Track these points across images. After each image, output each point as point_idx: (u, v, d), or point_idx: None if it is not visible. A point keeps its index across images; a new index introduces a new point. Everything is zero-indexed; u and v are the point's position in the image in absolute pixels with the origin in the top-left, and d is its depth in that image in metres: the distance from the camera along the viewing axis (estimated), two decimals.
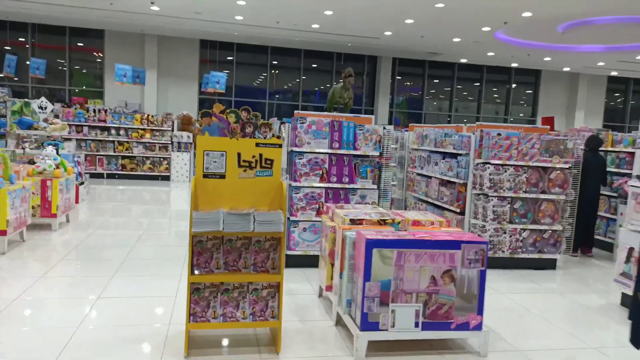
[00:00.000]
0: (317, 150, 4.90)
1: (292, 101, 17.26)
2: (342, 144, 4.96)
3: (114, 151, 11.65)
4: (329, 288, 3.82)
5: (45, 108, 7.30)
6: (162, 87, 15.50)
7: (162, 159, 11.89)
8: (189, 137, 11.89)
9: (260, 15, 11.36)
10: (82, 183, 8.16)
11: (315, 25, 11.83)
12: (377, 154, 5.05)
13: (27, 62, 14.00)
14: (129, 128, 11.71)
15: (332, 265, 3.73)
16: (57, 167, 6.18)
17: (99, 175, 11.56)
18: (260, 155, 3.09)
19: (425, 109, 18.23)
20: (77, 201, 7.36)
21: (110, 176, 11.69)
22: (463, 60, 16.93)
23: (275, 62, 16.75)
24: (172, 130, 11.92)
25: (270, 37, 14.02)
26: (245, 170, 3.12)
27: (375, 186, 5.03)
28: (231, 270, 3.05)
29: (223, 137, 2.83)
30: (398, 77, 17.74)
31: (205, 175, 3.09)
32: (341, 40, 13.76)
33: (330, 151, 4.93)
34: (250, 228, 2.89)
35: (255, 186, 3.09)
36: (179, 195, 10.24)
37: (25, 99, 9.32)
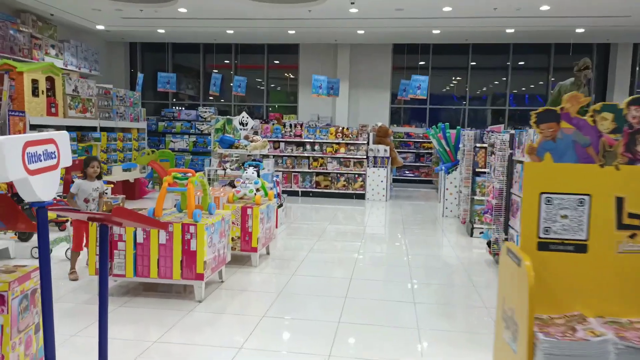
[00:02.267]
0: None
1: (492, 106, 14.89)
2: None
3: (309, 167, 11.00)
4: None
5: (246, 124, 6.71)
6: (354, 98, 14.70)
7: (356, 176, 10.85)
8: (385, 150, 10.62)
9: (472, 2, 9.48)
10: (280, 205, 7.39)
11: (545, 7, 9.47)
12: None
13: (231, 84, 14.56)
14: (323, 142, 10.95)
15: None
16: (258, 190, 5.32)
17: (294, 194, 11.01)
18: None
19: None
20: (276, 225, 6.56)
21: (305, 194, 11.07)
22: None
23: (474, 63, 14.64)
24: (368, 143, 10.80)
25: (476, 30, 12.01)
26: (633, 237, 1.45)
27: None
28: None
29: (585, 162, 1.52)
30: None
31: (544, 246, 1.51)
32: (571, 25, 11.06)
33: None
34: None
35: None
36: (380, 217, 8.98)
37: (228, 116, 9.12)
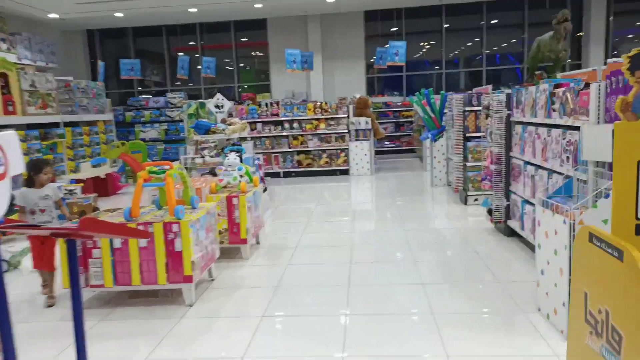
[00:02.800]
0: None
1: (471, 67, 14.61)
2: None
3: (289, 147, 10.58)
4: None
5: (222, 107, 6.24)
6: (328, 71, 14.21)
7: (339, 151, 10.49)
8: (367, 122, 10.26)
9: None
10: (265, 190, 7.00)
11: None
12: None
13: (199, 67, 13.88)
14: (302, 120, 10.52)
15: None
16: (242, 177, 4.92)
17: (276, 175, 10.61)
18: None
19: None
20: None
21: (287, 174, 10.68)
22: None
23: (448, 25, 14.25)
24: (348, 117, 10.42)
25: None
26: None
27: None
28: None
29: None
30: (614, 18, 13.75)
31: None
32: None
33: None
34: None
35: None
36: (368, 192, 8.68)
37: (200, 100, 8.60)
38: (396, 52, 10.14)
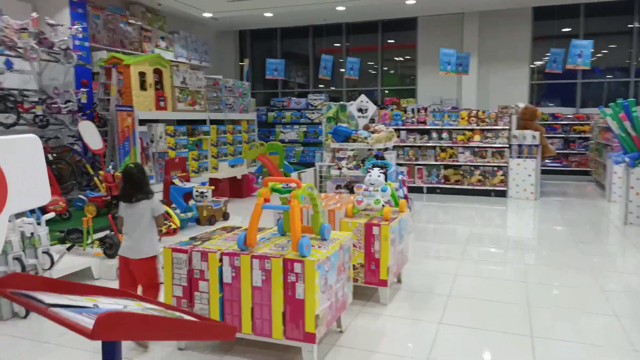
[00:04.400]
0: None
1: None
2: None
3: (435, 159, 9.33)
4: None
5: (366, 110, 5.33)
6: (483, 75, 12.58)
7: (495, 169, 8.94)
8: (534, 137, 8.57)
9: None
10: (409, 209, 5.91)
11: None
12: None
13: (342, 70, 13.27)
14: (453, 129, 9.19)
15: None
16: (385, 200, 3.91)
17: (417, 190, 9.43)
18: None
19: None
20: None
21: (431, 190, 9.43)
22: None
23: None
24: (510, 129, 8.82)
25: None
26: None
27: None
28: None
29: None
30: None
31: None
32: None
33: None
34: None
35: None
36: (533, 223, 7.09)
37: (341, 102, 7.82)
38: (579, 52, 8.30)
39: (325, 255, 2.80)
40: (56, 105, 8.14)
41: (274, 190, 2.95)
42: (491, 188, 8.96)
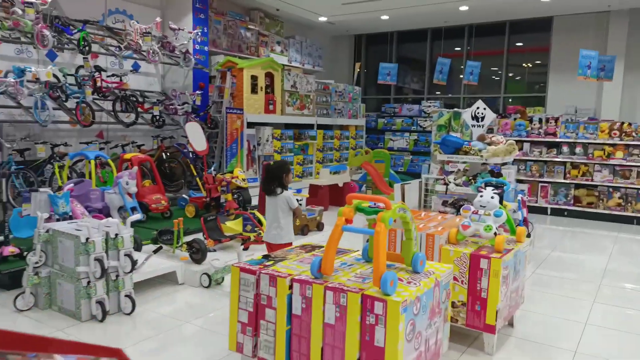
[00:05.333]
0: None
1: None
2: None
3: (564, 177, 8.12)
4: None
5: (483, 118, 4.62)
6: (629, 83, 10.82)
7: None
8: None
9: None
10: (528, 235, 5.05)
11: None
12: None
13: (460, 76, 12.35)
14: (589, 144, 7.92)
15: None
16: (498, 227, 3.23)
17: (540, 211, 8.30)
18: None
19: None
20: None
21: (556, 212, 8.24)
22: None
23: None
24: None
25: None
26: None
27: None
28: None
29: None
30: None
31: None
32: None
33: None
34: None
35: None
36: None
37: (455, 109, 7.10)
38: None
39: (414, 295, 2.27)
40: (173, 107, 8.51)
41: (358, 209, 2.48)
42: (634, 215, 7.54)
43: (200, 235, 4.90)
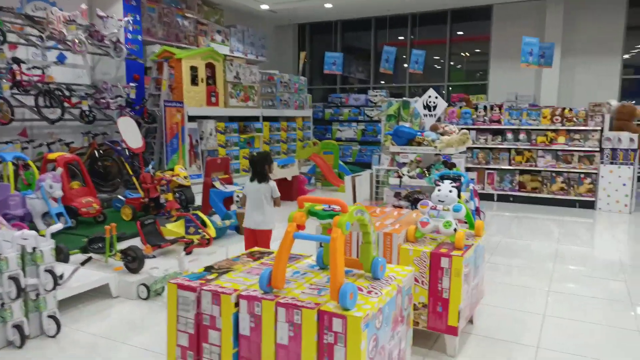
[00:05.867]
0: None
1: None
2: None
3: (510, 164, 8.23)
4: None
5: (435, 107, 4.45)
6: (566, 69, 11.18)
7: (582, 176, 7.73)
8: (632, 140, 7.30)
9: None
10: None
11: None
12: None
13: (405, 65, 12.31)
14: (532, 130, 8.05)
15: None
16: (457, 225, 3.07)
17: (487, 197, 8.39)
18: None
19: None
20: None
21: (502, 198, 8.36)
22: None
23: None
24: (602, 130, 7.58)
25: None
26: None
27: None
28: None
29: None
30: None
31: None
32: None
33: None
34: None
35: None
36: (632, 243, 5.91)
37: (404, 98, 6.97)
38: None
39: (376, 307, 2.03)
40: (104, 101, 7.87)
41: (311, 213, 2.21)
42: (576, 198, 7.77)
43: (137, 241, 4.47)
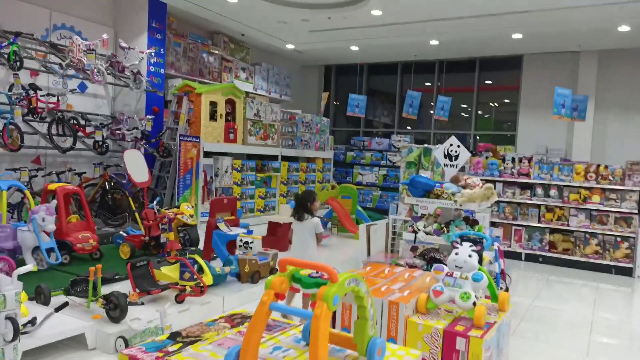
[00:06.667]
0: None
1: None
2: None
3: (539, 221, 7.68)
4: None
5: (457, 157, 4.06)
6: (599, 122, 10.69)
7: (619, 240, 7.11)
8: None
9: None
10: (506, 290, 4.47)
11: None
12: None
13: (431, 112, 12.03)
14: (564, 186, 7.53)
15: None
16: (477, 296, 2.61)
17: (514, 256, 7.81)
18: None
19: None
20: None
21: (530, 258, 7.76)
22: None
23: None
24: None
25: None
26: None
27: None
28: None
29: None
30: None
31: None
32: None
33: None
34: None
35: None
36: None
37: (426, 145, 6.60)
38: None
39: None
40: (120, 132, 7.75)
41: (294, 279, 1.82)
42: (612, 263, 7.12)
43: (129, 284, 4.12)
